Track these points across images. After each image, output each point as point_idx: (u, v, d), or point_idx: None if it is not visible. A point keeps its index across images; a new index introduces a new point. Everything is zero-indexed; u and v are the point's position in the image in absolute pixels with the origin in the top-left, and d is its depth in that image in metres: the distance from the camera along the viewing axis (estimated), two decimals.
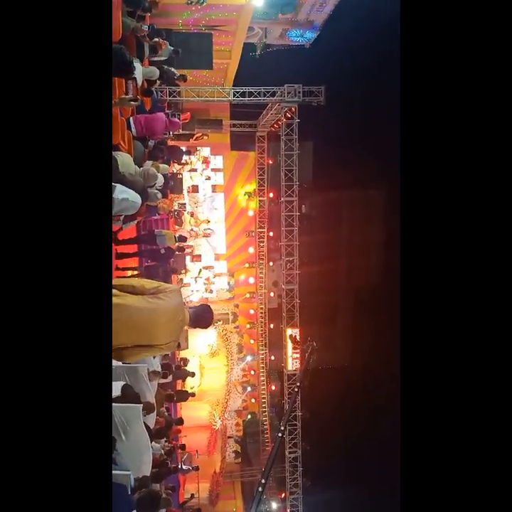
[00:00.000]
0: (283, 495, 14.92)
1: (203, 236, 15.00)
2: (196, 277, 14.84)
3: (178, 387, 11.62)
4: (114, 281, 2.89)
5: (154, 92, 8.30)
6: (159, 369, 6.42)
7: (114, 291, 2.70)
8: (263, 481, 7.60)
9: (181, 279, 14.53)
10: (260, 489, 7.54)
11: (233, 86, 13.41)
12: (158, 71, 7.31)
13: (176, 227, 13.47)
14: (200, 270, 14.92)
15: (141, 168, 5.59)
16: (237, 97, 12.26)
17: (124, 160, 4.76)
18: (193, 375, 11.45)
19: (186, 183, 14.58)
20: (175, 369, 9.61)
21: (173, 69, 9.08)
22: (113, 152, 4.57)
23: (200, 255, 14.97)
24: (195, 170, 15.05)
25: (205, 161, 15.14)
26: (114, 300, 2.61)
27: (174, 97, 11.60)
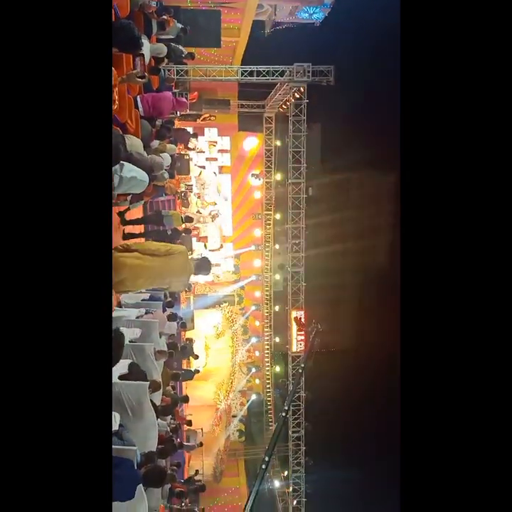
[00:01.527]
0: (286, 473, 15.21)
1: (211, 218, 14.97)
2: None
3: (184, 367, 11.76)
4: (136, 246, 3.95)
5: (162, 71, 8.19)
6: (165, 348, 6.48)
7: (136, 254, 3.76)
8: (266, 459, 7.72)
9: None
10: (263, 467, 7.67)
11: (241, 65, 13.19)
12: (165, 48, 7.20)
13: (183, 208, 13.44)
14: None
15: (149, 156, 5.56)
16: (246, 76, 12.06)
17: (133, 142, 4.75)
18: (196, 357, 11.59)
19: (193, 173, 14.51)
20: (180, 349, 9.71)
21: (180, 47, 8.94)
22: (122, 134, 4.54)
23: (206, 237, 14.98)
24: (202, 151, 14.95)
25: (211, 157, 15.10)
26: (137, 261, 3.69)
27: (182, 75, 11.43)
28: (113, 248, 3.97)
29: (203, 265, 4.20)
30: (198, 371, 10.94)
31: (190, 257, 4.21)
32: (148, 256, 3.75)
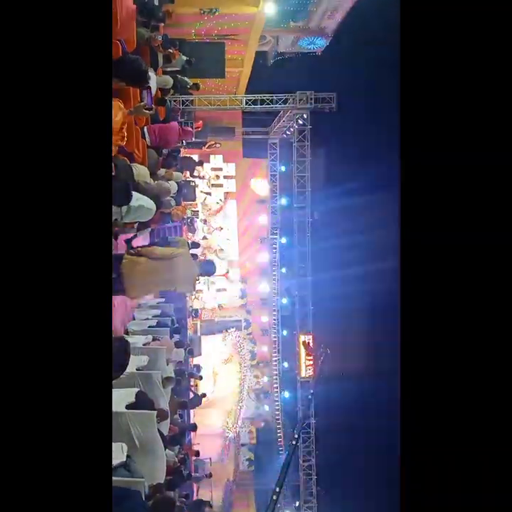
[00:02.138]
0: (297, 504, 14.77)
1: (216, 254, 15.10)
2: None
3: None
4: (143, 251, 4.25)
5: (168, 101, 8.39)
6: (173, 375, 6.42)
7: (144, 258, 4.10)
8: (277, 489, 7.57)
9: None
10: (274, 498, 7.51)
11: (245, 94, 13.50)
12: (171, 80, 7.40)
13: (190, 234, 13.55)
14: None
15: (156, 182, 5.66)
16: (250, 104, 12.34)
17: (139, 171, 4.84)
18: (200, 378, 11.45)
19: (199, 200, 14.71)
20: (187, 375, 9.61)
21: (186, 78, 9.18)
22: (130, 163, 4.63)
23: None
24: (203, 178, 15.18)
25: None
26: (145, 266, 4.03)
27: (187, 105, 11.71)
28: (124, 254, 4.28)
29: (208, 266, 4.57)
30: (204, 395, 10.77)
31: (195, 261, 4.56)
32: (155, 260, 4.11)
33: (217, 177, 15.44)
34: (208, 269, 4.54)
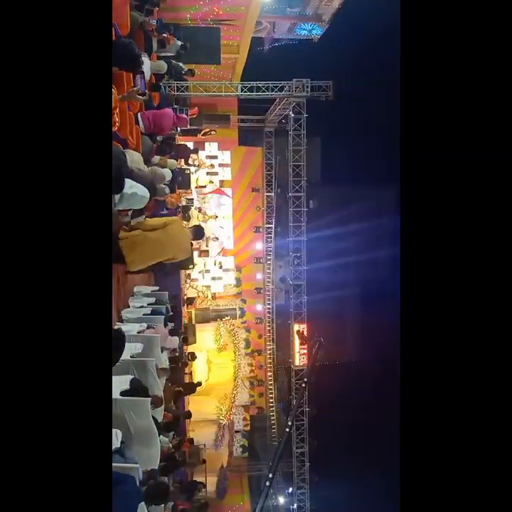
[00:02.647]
0: (290, 490, 14.97)
1: (212, 240, 15.06)
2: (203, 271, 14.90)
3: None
4: (136, 225, 4.41)
5: (162, 87, 8.29)
6: (167, 363, 6.44)
7: (138, 231, 4.26)
8: (270, 475, 7.67)
9: (189, 274, 14.56)
10: (267, 484, 7.62)
11: (241, 81, 13.36)
12: (166, 65, 7.30)
13: (184, 222, 13.47)
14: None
15: (150, 168, 5.61)
16: (245, 91, 12.21)
17: (133, 157, 4.79)
18: (192, 358, 11.46)
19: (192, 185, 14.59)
20: (181, 365, 9.64)
21: (181, 64, 9.07)
22: (123, 149, 4.58)
23: (207, 251, 14.99)
24: (194, 165, 15.05)
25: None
26: (141, 239, 4.16)
27: (182, 91, 11.57)
28: (120, 229, 4.38)
29: (198, 231, 5.00)
30: (200, 384, 10.82)
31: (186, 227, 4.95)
32: (149, 231, 4.28)
33: (212, 166, 15.32)
34: (197, 233, 4.96)
